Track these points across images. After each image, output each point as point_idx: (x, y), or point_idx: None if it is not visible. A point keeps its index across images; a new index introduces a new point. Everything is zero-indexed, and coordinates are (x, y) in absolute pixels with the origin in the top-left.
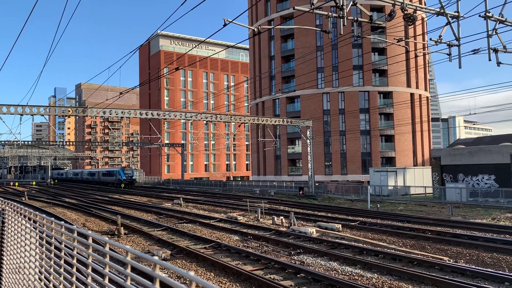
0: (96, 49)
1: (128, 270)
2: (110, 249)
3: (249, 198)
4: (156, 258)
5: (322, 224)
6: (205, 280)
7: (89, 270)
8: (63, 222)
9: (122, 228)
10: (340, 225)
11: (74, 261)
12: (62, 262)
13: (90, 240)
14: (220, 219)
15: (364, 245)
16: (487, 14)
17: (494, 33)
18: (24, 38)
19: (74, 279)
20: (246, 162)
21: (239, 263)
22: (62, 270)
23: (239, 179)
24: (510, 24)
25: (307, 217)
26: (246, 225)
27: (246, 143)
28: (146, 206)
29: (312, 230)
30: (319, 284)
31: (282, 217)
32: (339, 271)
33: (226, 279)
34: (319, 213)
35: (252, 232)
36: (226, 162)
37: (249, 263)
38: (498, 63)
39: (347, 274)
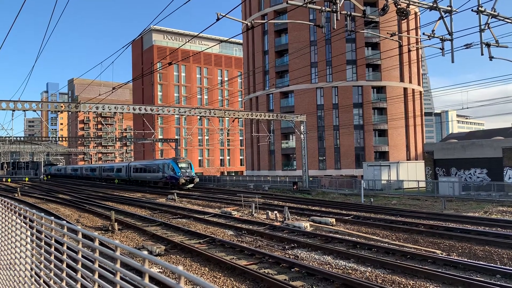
0: (88, 44)
1: (118, 266)
2: (100, 244)
3: (243, 193)
4: (145, 253)
5: (316, 219)
6: (193, 275)
7: (79, 266)
8: (53, 217)
9: (116, 223)
10: (334, 219)
11: (65, 256)
12: (52, 257)
13: (80, 236)
14: (215, 214)
15: (358, 239)
16: (480, 8)
17: (486, 27)
18: (15, 32)
19: (64, 274)
20: (240, 157)
21: (233, 258)
22: (52, 266)
23: (233, 174)
24: (502, 18)
25: (301, 212)
26: (241, 220)
27: (240, 138)
28: (140, 202)
29: (306, 225)
30: (313, 278)
31: (276, 212)
32: (333, 265)
33: (220, 274)
34: (313, 208)
35: (246, 227)
36: (220, 157)
37: (243, 258)
38: (491, 58)
39: (341, 268)
